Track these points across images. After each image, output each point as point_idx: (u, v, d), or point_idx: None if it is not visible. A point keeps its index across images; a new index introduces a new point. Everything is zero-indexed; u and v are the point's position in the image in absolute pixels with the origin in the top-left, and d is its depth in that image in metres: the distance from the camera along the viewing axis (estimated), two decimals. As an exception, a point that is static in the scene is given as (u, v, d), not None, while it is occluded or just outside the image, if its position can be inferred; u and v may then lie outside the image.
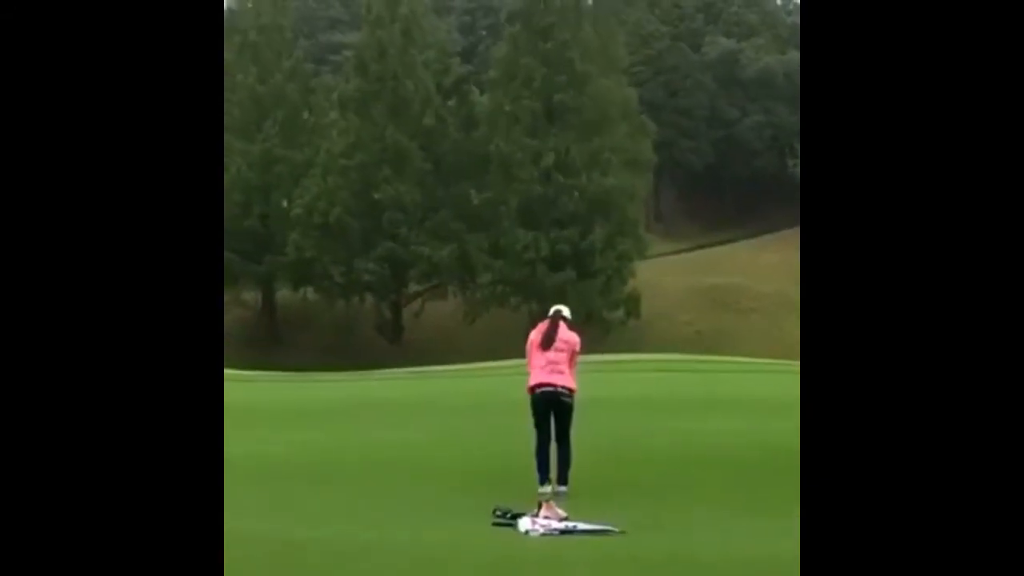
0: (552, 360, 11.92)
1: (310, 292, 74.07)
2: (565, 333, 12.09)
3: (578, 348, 12.21)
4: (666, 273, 78.39)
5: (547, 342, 11.95)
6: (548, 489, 11.47)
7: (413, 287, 73.16)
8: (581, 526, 9.59)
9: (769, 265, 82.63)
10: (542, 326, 12.23)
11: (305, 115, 75.13)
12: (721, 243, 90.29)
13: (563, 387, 11.86)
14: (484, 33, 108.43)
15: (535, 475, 11.64)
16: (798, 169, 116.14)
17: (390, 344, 70.91)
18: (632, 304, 69.61)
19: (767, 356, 55.65)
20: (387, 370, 47.42)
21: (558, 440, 11.80)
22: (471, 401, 25.99)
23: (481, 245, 68.56)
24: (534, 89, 69.78)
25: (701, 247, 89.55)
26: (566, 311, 12.43)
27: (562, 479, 11.65)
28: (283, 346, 72.24)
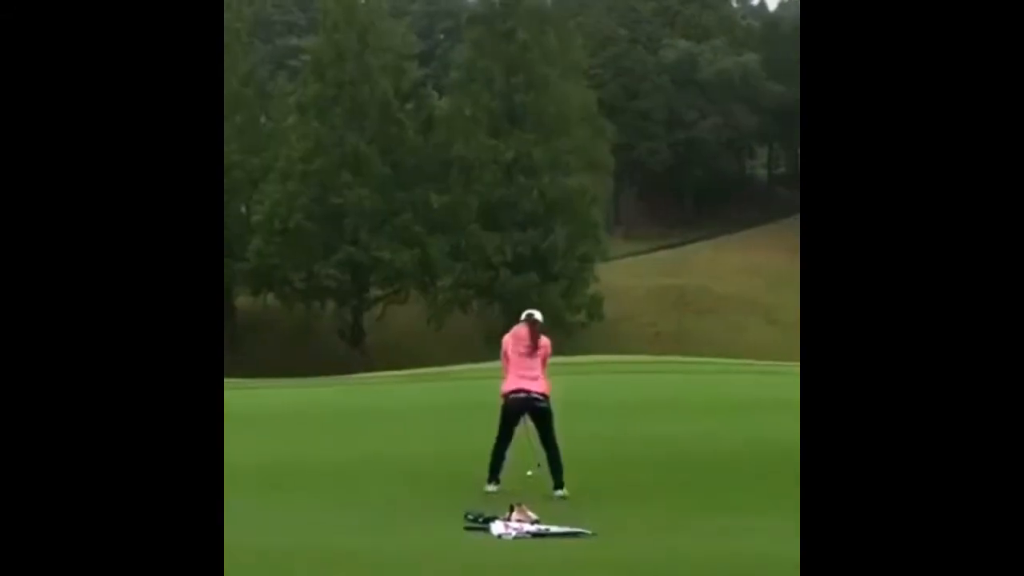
0: (526, 366, 11.84)
1: (270, 298, 73.66)
2: (537, 338, 12.00)
3: (549, 352, 12.15)
4: (627, 275, 78.63)
5: (531, 348, 11.86)
6: (495, 488, 11.57)
7: (374, 291, 72.97)
8: (553, 529, 9.48)
9: (729, 266, 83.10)
10: (518, 331, 12.11)
11: (263, 120, 74.77)
12: (681, 244, 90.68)
13: (538, 393, 11.80)
14: (442, 36, 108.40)
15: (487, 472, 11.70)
16: (756, 170, 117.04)
17: (351, 349, 70.63)
18: (595, 306, 69.82)
19: (729, 356, 55.89)
20: (349, 376, 47.19)
21: (545, 447, 11.73)
22: (435, 405, 25.87)
23: (443, 248, 68.51)
24: (495, 91, 69.92)
25: (661, 248, 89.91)
26: (539, 315, 12.34)
27: (558, 484, 11.60)
28: (243, 352, 71.76)
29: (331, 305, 72.58)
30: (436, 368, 47.34)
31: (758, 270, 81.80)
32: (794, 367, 46.04)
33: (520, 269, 68.11)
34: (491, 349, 73.05)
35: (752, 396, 24.56)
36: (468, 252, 68.40)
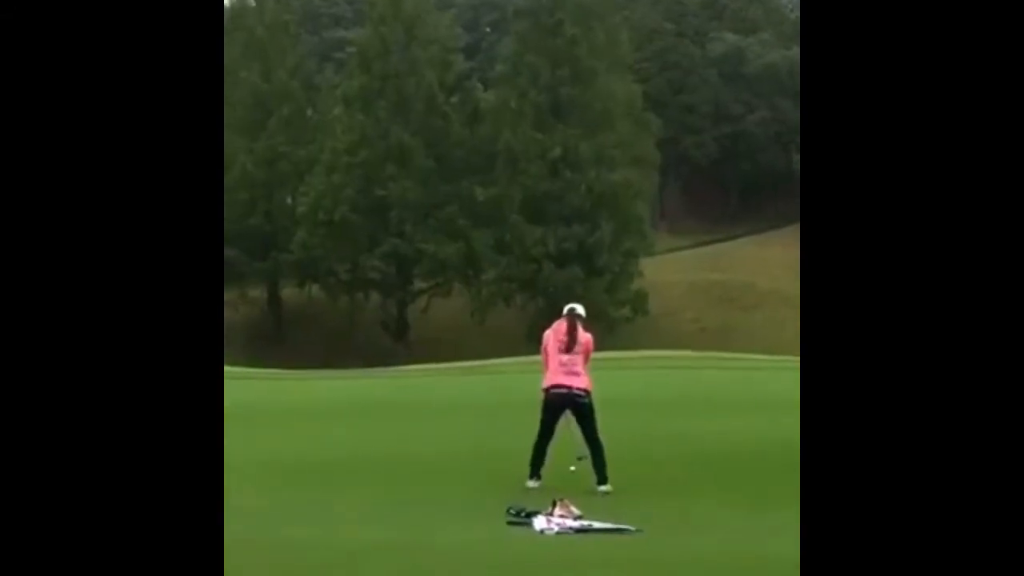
0: (567, 361, 11.79)
1: (315, 289, 74.00)
2: (580, 333, 11.96)
3: (591, 348, 12.09)
4: (671, 270, 78.27)
5: (569, 344, 11.81)
6: (535, 484, 11.53)
7: (418, 284, 73.10)
8: (596, 525, 9.47)
9: (774, 261, 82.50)
10: (558, 325, 12.06)
11: (309, 112, 75.12)
12: (725, 239, 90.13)
13: (579, 388, 11.74)
14: (488, 30, 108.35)
15: (528, 468, 11.69)
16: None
17: (395, 342, 70.84)
18: (639, 301, 69.54)
19: (772, 352, 55.55)
20: (394, 368, 47.37)
21: (589, 443, 11.70)
22: (479, 400, 25.92)
23: (487, 241, 68.48)
24: (540, 85, 69.78)
25: (705, 244, 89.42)
26: (581, 310, 12.29)
27: (602, 479, 11.58)
28: (288, 344, 72.20)
29: (375, 297, 72.82)
30: (479, 361, 47.40)
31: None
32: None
33: (564, 263, 67.98)
34: (533, 343, 73.04)
35: (790, 393, 24.40)
36: (512, 245, 68.35)
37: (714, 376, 32.02)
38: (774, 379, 28.94)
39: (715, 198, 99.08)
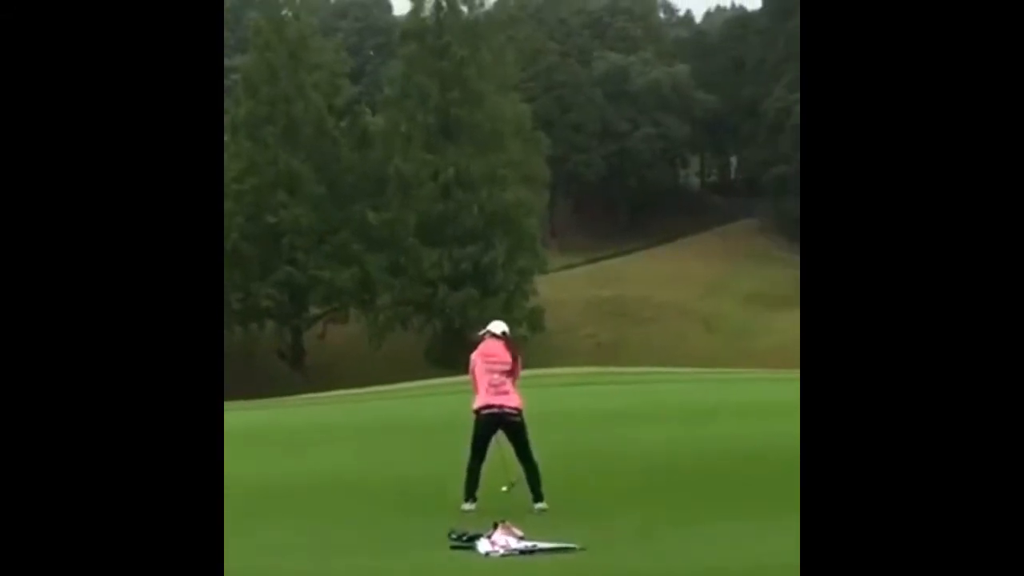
0: (496, 382, 11.74)
1: (207, 320, 72.62)
2: (506, 351, 11.91)
3: (520, 365, 12.05)
4: (564, 287, 78.78)
5: (500, 362, 11.75)
6: (471, 507, 11.44)
7: (313, 311, 72.31)
8: (541, 544, 9.44)
9: (665, 275, 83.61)
10: (484, 347, 11.99)
11: (195, 140, 73.84)
12: (616, 255, 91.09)
13: (511, 407, 11.71)
14: (372, 54, 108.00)
15: (461, 491, 11.56)
16: (689, 179, 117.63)
17: (292, 369, 69.94)
18: (535, 319, 69.85)
19: (670, 365, 56.19)
20: (295, 396, 46.69)
21: (521, 460, 11.66)
22: (387, 424, 25.65)
23: (381, 265, 68.15)
24: (430, 107, 69.76)
25: (596, 260, 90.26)
26: (503, 327, 12.25)
27: (537, 496, 11.54)
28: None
29: (270, 325, 71.82)
30: (380, 387, 47.02)
31: (694, 278, 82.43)
32: (737, 373, 46.13)
33: (459, 284, 67.97)
34: (432, 366, 72.43)
35: (698, 402, 24.70)
36: (407, 268, 68.13)
37: (619, 391, 32.24)
38: (682, 391, 29.24)
39: (604, 215, 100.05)
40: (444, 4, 72.50)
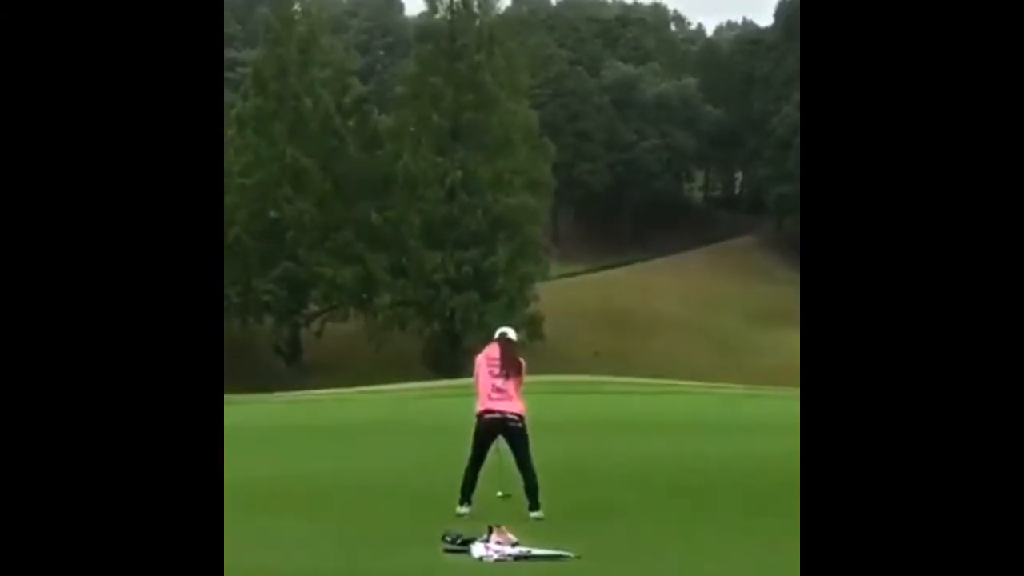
0: (499, 387, 11.65)
1: (205, 312, 72.50)
2: (512, 357, 11.82)
3: (524, 372, 11.96)
4: (565, 295, 78.75)
5: (502, 368, 11.67)
6: (466, 510, 11.38)
7: (312, 307, 72.22)
8: (535, 552, 9.36)
9: (665, 287, 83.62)
10: (490, 350, 11.91)
11: (200, 133, 73.81)
12: (617, 265, 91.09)
13: (512, 413, 11.61)
14: (382, 53, 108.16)
15: (458, 494, 11.50)
16: (693, 193, 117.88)
17: (288, 366, 69.87)
18: (534, 326, 69.75)
19: (668, 377, 56.14)
20: (292, 392, 46.64)
21: (520, 468, 11.56)
22: (383, 424, 25.60)
23: (383, 265, 68.09)
24: (442, 108, 69.72)
25: (596, 269, 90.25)
26: (513, 334, 12.18)
27: (534, 505, 11.44)
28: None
29: (269, 320, 71.74)
30: (377, 387, 46.96)
31: (694, 292, 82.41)
32: (735, 388, 46.00)
33: (461, 288, 67.90)
34: (427, 369, 72.22)
35: (695, 416, 24.67)
36: (409, 269, 68.07)
37: (619, 400, 32.19)
38: (684, 403, 29.20)
39: (607, 225, 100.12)
40: (458, 5, 72.49)
